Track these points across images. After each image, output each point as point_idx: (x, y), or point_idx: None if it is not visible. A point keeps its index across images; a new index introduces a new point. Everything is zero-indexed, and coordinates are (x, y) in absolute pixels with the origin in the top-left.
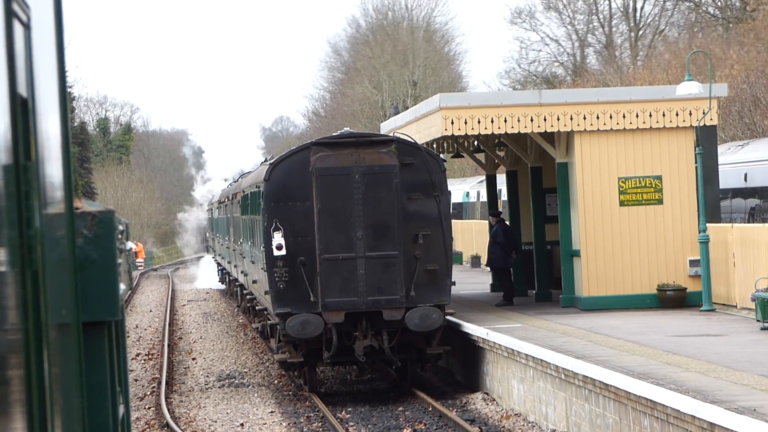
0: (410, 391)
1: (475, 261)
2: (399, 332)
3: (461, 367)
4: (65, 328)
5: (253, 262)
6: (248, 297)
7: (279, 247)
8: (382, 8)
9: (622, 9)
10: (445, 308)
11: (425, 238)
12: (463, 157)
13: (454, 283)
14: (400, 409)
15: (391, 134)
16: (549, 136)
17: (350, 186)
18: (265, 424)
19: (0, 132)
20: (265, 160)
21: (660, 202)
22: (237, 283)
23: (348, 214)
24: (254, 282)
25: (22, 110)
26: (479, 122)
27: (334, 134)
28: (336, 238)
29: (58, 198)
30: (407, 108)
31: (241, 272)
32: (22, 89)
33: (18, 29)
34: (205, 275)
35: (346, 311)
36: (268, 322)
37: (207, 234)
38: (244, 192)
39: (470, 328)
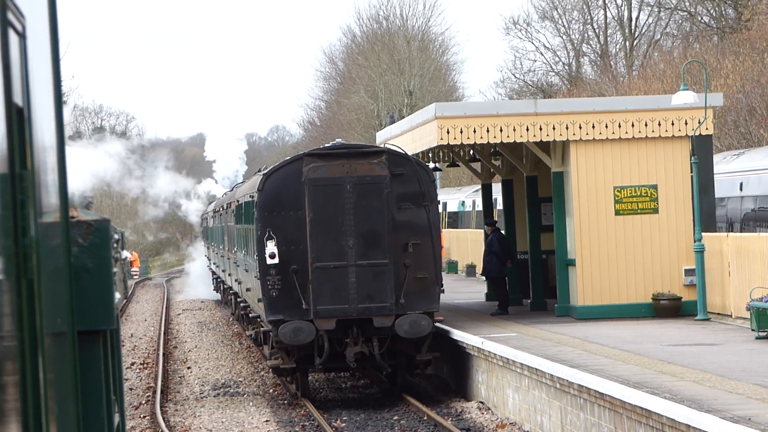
0: (405, 400)
1: (471, 270)
2: (389, 339)
3: (456, 376)
4: (61, 336)
5: (246, 271)
6: (242, 305)
7: (272, 256)
8: (377, 18)
9: (617, 18)
10: (434, 315)
11: (415, 246)
12: (458, 166)
13: (443, 291)
14: (396, 418)
15: (382, 145)
16: (544, 146)
17: (342, 196)
18: None
19: None
20: (259, 170)
21: (655, 211)
22: (231, 292)
23: (339, 224)
24: (248, 290)
25: (18, 119)
26: (475, 132)
27: (326, 145)
28: (328, 247)
29: (54, 207)
30: (403, 117)
31: (235, 280)
32: (18, 98)
33: (13, 39)
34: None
35: (337, 318)
36: (262, 329)
37: (203, 243)
38: (238, 201)
39: (465, 337)
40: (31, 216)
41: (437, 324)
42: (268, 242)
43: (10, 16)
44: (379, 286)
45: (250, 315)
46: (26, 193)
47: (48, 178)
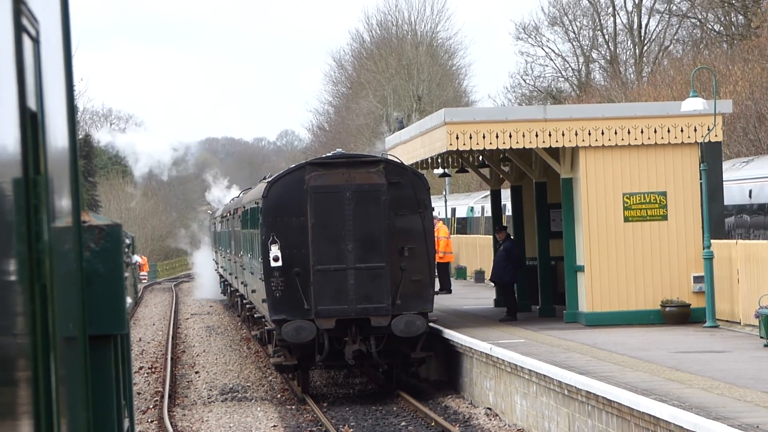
0: (409, 402)
1: (479, 276)
2: (385, 338)
3: (464, 381)
4: (72, 341)
5: (252, 273)
6: (248, 306)
7: (276, 259)
8: (385, 23)
9: (626, 25)
10: (428, 316)
11: (410, 251)
12: (467, 172)
13: (437, 293)
14: (403, 424)
15: (380, 155)
16: (554, 152)
17: (342, 203)
18: None
19: (10, 146)
20: (264, 178)
21: (664, 218)
22: (238, 294)
23: (339, 229)
24: (253, 291)
25: (32, 124)
26: (484, 137)
27: (327, 155)
28: (328, 251)
29: (66, 211)
30: (411, 123)
31: (242, 283)
32: (32, 103)
33: (27, 43)
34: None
35: (337, 318)
36: (266, 328)
37: (211, 247)
38: (244, 207)
39: (473, 342)
40: (45, 221)
41: (431, 324)
42: (272, 246)
43: (25, 21)
44: (377, 287)
45: (255, 315)
46: (40, 198)
47: (61, 183)
